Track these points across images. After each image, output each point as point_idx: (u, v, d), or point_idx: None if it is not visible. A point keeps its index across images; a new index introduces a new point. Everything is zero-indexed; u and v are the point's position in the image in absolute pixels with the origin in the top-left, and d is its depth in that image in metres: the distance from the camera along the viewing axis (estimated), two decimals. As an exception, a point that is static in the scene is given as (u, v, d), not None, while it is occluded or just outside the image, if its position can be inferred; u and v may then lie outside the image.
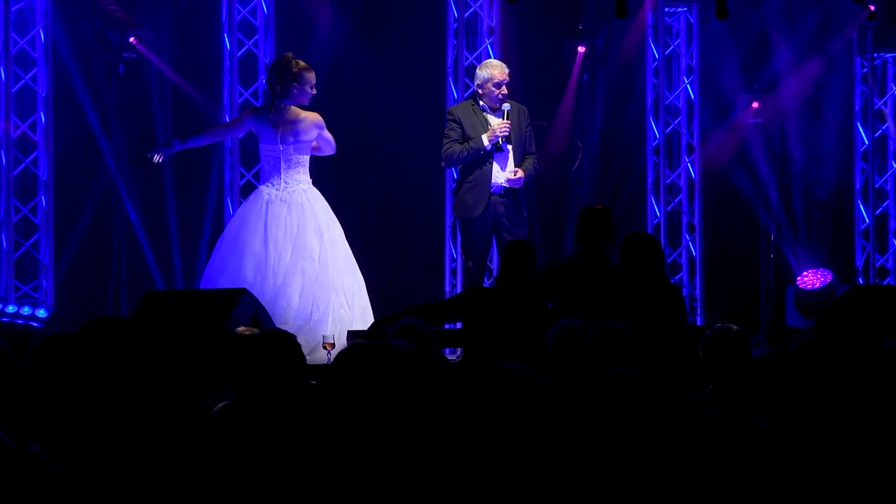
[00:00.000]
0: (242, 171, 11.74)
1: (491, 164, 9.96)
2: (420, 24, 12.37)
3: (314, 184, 9.84)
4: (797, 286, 12.46)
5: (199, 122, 11.99)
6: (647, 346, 7.26)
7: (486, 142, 9.89)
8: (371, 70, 11.18)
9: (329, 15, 12.23)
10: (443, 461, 4.19)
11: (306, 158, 9.75)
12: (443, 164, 10.40)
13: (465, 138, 9.98)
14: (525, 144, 10.10)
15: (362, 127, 12.41)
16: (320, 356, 9.00)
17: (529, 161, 10.08)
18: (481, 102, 10.06)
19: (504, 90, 10.00)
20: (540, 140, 10.52)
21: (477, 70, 10.27)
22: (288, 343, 5.27)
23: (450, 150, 10.00)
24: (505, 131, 9.88)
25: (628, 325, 6.33)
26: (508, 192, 9.99)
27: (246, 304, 8.65)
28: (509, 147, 9.97)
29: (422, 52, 12.35)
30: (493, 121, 9.99)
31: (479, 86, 10.09)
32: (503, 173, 9.97)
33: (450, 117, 10.13)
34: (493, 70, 10.07)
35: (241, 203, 11.62)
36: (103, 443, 4.78)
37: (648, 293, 7.87)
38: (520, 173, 9.94)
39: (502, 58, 11.15)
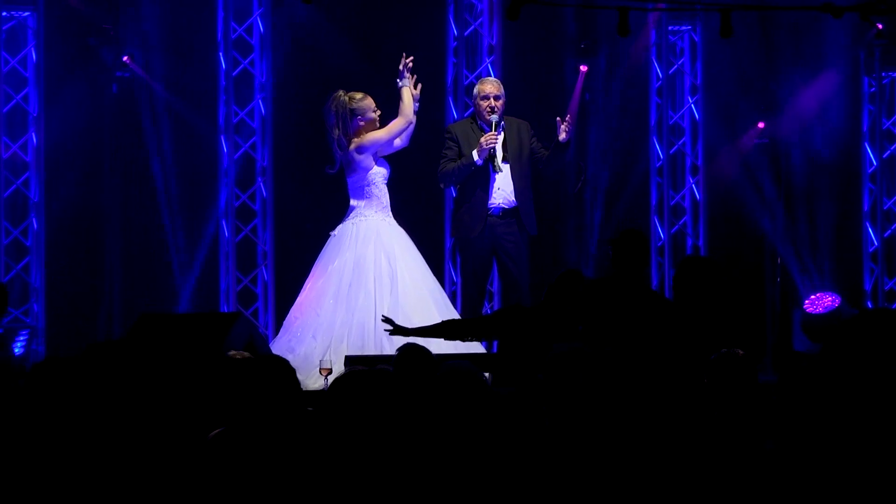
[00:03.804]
0: (238, 192, 11.75)
1: (488, 183, 9.96)
2: (419, 43, 12.37)
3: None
4: (804, 310, 12.46)
5: (194, 143, 12.02)
6: (690, 374, 7.23)
7: (476, 157, 9.91)
8: (369, 89, 11.16)
9: (327, 33, 12.27)
10: (438, 487, 4.21)
11: (364, 189, 9.84)
12: (440, 183, 10.43)
13: (461, 157, 10.01)
14: (529, 158, 10.10)
15: (360, 147, 12.43)
16: (317, 382, 9.02)
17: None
18: (479, 120, 10.10)
19: (491, 102, 9.99)
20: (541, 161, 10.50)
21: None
22: (282, 369, 5.29)
23: (444, 168, 10.06)
24: (492, 143, 9.88)
25: (666, 353, 6.28)
26: (508, 213, 9.98)
27: (241, 328, 8.67)
28: (501, 167, 9.93)
29: (421, 71, 12.32)
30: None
31: (473, 104, 10.19)
32: (501, 193, 9.97)
33: (447, 135, 10.19)
34: (481, 85, 10.16)
35: (236, 225, 11.66)
36: (96, 467, 4.80)
37: (693, 320, 7.78)
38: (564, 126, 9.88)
39: (503, 77, 11.20)
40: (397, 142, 10.04)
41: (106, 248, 11.94)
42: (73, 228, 11.90)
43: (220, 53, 11.78)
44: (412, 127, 10.04)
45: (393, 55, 12.40)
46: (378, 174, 9.90)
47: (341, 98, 9.87)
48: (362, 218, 9.88)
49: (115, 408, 5.31)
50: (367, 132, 9.88)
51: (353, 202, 9.95)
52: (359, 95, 9.92)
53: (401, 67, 9.98)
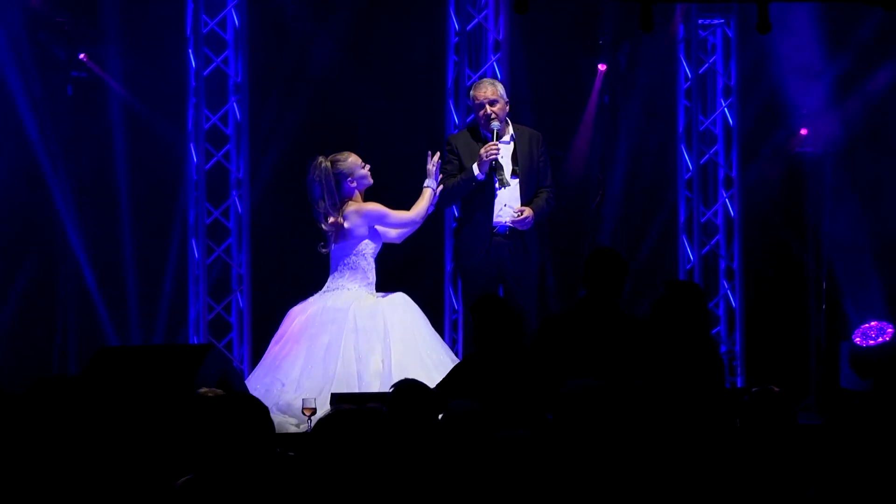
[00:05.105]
0: (209, 207, 11.71)
1: (493, 199, 9.95)
2: (416, 38, 12.43)
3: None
4: (853, 342, 12.47)
5: (160, 152, 12.04)
6: (673, 410, 7.29)
7: (476, 171, 9.89)
8: (360, 91, 11.21)
9: (311, 27, 12.30)
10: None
11: (350, 259, 9.83)
12: (440, 201, 10.43)
13: (463, 171, 9.98)
14: (538, 176, 10.09)
15: (349, 156, 12.47)
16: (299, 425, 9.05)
17: (542, 196, 10.03)
18: (482, 129, 10.08)
19: (487, 110, 9.93)
20: (555, 172, 10.52)
21: None
22: (254, 408, 5.29)
23: (442, 185, 10.01)
24: (493, 154, 9.84)
25: (647, 385, 6.33)
26: (514, 233, 9.96)
27: (213, 362, 8.68)
28: (509, 182, 9.92)
29: (418, 70, 12.42)
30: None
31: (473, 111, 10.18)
32: (508, 210, 9.94)
33: (447, 148, 10.15)
34: (475, 90, 10.11)
35: (207, 245, 11.64)
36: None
37: (676, 351, 7.86)
38: (527, 212, 9.89)
39: (509, 77, 11.21)
40: (392, 233, 10.01)
41: (60, 272, 11.95)
42: (22, 249, 11.90)
43: (190, 50, 11.77)
44: (413, 230, 10.04)
45: (386, 51, 12.48)
46: (369, 246, 9.84)
47: (323, 165, 9.77)
48: (345, 290, 9.79)
49: (67, 452, 5.32)
50: (363, 196, 9.84)
51: (332, 273, 9.85)
52: (342, 155, 9.82)
53: (430, 167, 9.92)
